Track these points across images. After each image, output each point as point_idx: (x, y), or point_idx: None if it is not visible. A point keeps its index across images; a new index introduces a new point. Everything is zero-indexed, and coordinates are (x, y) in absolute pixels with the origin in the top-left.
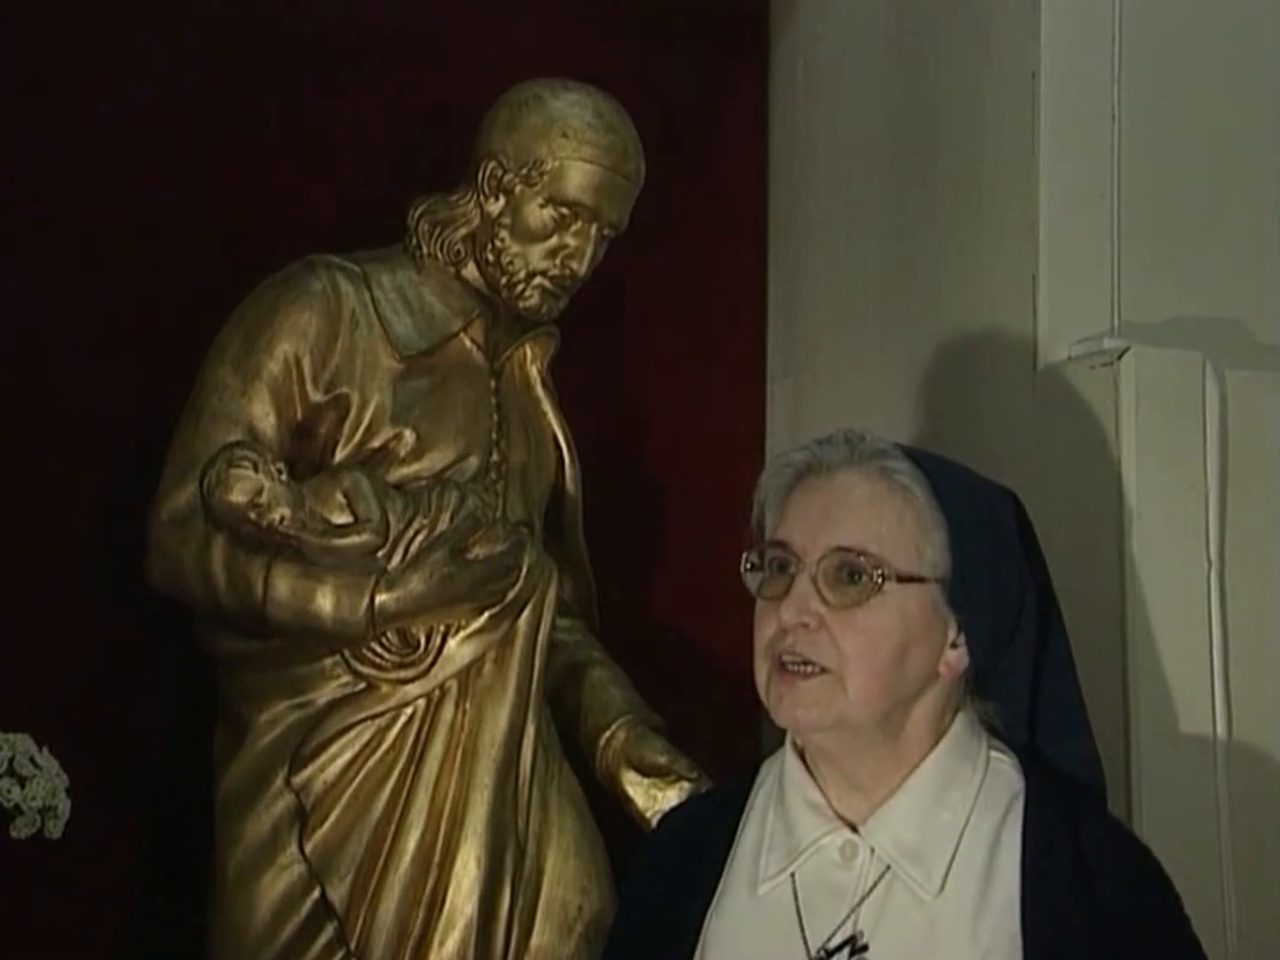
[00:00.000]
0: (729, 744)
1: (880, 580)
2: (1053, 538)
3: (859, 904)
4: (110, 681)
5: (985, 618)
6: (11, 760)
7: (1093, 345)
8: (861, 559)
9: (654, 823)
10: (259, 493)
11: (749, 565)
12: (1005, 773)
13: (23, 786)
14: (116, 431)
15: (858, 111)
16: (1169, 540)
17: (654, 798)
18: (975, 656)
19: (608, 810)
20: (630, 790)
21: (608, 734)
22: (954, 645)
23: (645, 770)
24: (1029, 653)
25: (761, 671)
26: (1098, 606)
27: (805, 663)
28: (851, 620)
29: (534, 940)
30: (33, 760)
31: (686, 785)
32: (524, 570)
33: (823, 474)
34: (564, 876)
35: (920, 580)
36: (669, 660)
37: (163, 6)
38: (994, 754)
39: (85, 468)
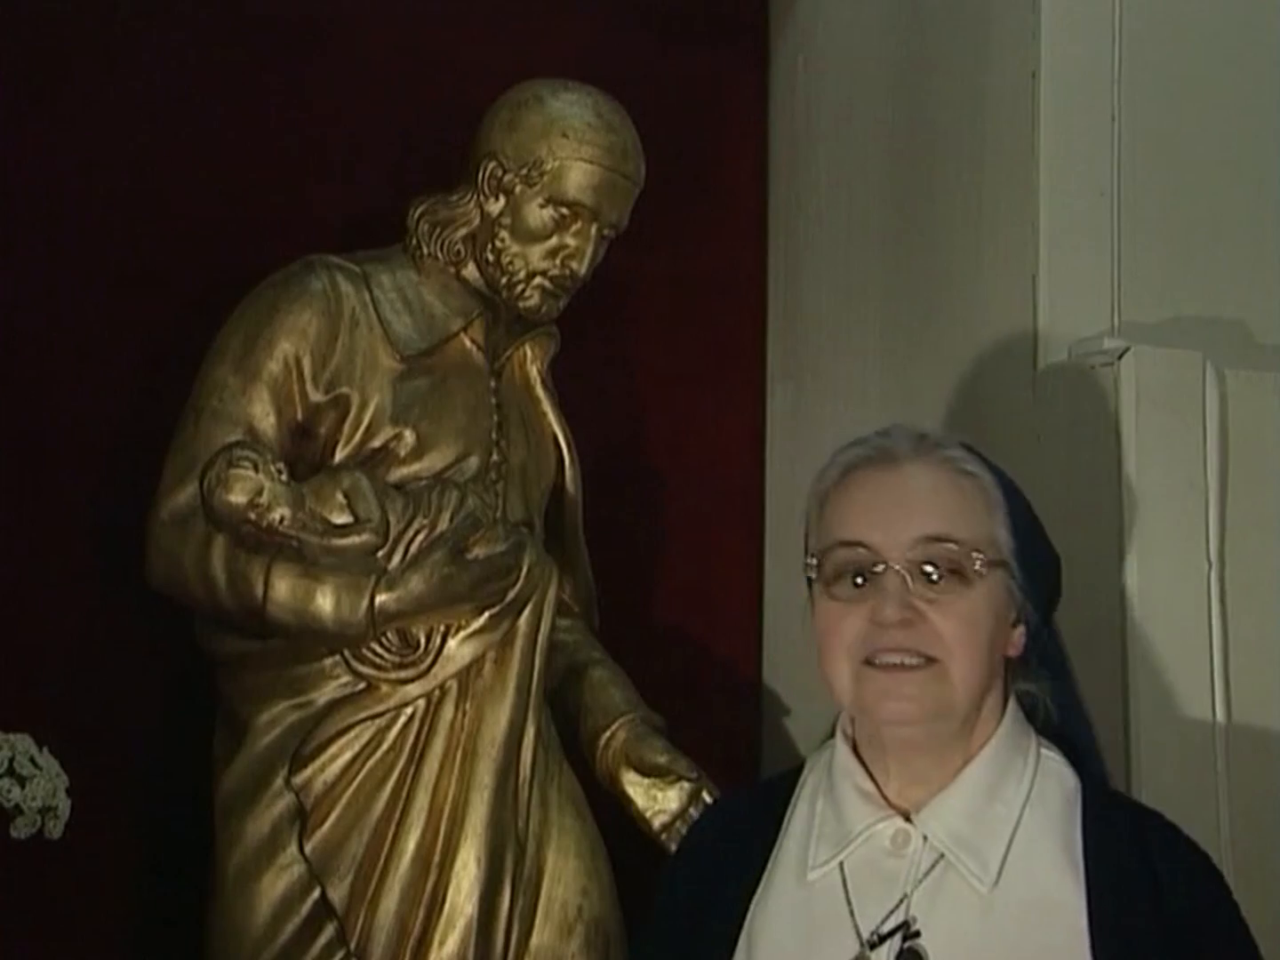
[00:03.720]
0: (729, 744)
1: (978, 566)
2: (1052, 538)
3: (911, 891)
4: (111, 683)
5: (1040, 596)
6: (11, 760)
7: (1093, 345)
8: (952, 547)
9: (654, 823)
10: (259, 493)
11: (815, 568)
12: (1057, 771)
13: (23, 786)
14: (116, 432)
15: (858, 111)
16: (1169, 540)
17: (654, 798)
18: (1029, 636)
19: (608, 810)
20: (630, 790)
21: (608, 734)
22: (1013, 625)
23: (645, 770)
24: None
25: (844, 673)
26: (1098, 606)
27: (908, 656)
28: (952, 609)
29: (534, 940)
30: (33, 760)
31: (686, 785)
32: (524, 570)
33: (887, 465)
34: (564, 876)
35: (1003, 564)
36: (669, 660)
37: (162, 4)
38: (1044, 751)
39: (85, 468)
